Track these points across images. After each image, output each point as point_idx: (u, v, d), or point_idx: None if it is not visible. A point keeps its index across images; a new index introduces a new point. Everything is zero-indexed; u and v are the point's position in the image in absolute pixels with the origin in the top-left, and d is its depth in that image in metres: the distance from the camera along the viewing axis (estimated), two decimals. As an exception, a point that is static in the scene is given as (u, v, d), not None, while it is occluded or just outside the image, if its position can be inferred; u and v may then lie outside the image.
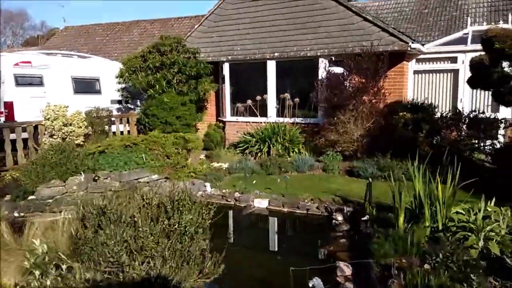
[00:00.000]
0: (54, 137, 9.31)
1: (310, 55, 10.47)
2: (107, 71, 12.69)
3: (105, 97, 12.44)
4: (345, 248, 5.21)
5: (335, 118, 9.23)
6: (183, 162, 7.87)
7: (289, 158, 9.57)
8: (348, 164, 9.06)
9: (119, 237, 2.58)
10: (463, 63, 10.25)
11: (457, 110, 8.20)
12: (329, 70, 9.99)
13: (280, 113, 10.98)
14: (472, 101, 10.29)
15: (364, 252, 4.70)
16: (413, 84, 11.02)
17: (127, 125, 11.57)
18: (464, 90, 10.30)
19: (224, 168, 8.98)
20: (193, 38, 12.17)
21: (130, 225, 2.73)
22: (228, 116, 11.94)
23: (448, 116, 8.23)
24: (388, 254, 4.41)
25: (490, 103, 10.01)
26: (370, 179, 6.11)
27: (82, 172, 6.84)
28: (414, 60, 10.85)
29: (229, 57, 11.60)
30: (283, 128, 10.17)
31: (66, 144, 7.34)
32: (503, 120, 7.83)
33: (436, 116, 8.47)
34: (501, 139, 8.19)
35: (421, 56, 10.72)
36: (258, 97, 10.94)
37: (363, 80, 9.17)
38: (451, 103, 10.60)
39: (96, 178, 6.86)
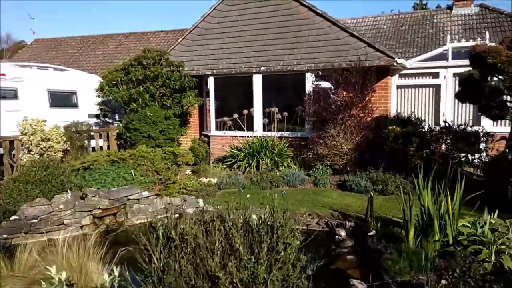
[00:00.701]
0: (32, 152, 8.82)
1: (297, 69, 10.46)
2: (84, 84, 12.28)
3: (83, 111, 12.02)
4: (354, 265, 5.08)
5: (324, 132, 9.20)
6: (174, 178, 7.57)
7: (278, 173, 9.43)
8: (338, 178, 9.01)
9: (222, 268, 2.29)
10: (444, 78, 10.52)
11: (447, 124, 8.32)
12: (316, 84, 10.00)
13: (267, 127, 10.86)
14: (454, 114, 10.52)
15: (375, 268, 4.58)
16: (396, 98, 11.19)
17: (106, 140, 11.13)
18: (446, 104, 10.54)
19: (213, 184, 8.72)
20: (176, 51, 11.95)
21: (221, 253, 2.46)
22: (213, 131, 11.70)
23: (437, 129, 8.34)
24: (404, 271, 4.31)
25: (471, 116, 10.27)
26: (372, 193, 6.05)
27: (68, 190, 6.42)
28: (397, 75, 11.05)
29: (214, 71, 11.43)
30: (271, 142, 10.04)
31: (50, 160, 6.90)
32: (492, 134, 7.98)
33: (424, 130, 8.56)
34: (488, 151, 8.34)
35: (404, 72, 10.93)
36: (245, 111, 10.78)
37: (351, 94, 9.20)
38: (433, 116, 10.81)
39: (84, 195, 6.46)
